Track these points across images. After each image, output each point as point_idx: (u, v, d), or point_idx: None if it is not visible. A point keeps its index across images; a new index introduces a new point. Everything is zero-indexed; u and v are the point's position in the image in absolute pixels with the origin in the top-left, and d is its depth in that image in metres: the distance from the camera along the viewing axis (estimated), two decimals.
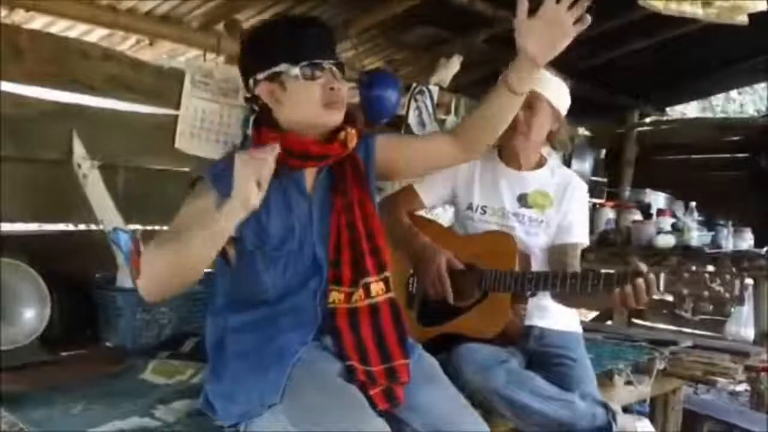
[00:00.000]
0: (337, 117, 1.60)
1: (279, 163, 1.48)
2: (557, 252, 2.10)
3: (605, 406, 1.90)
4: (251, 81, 1.61)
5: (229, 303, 1.66)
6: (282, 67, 1.56)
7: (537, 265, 2.07)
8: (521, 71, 1.64)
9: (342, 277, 1.62)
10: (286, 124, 1.60)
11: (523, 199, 2.13)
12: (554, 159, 2.26)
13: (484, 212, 2.14)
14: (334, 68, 1.60)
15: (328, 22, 1.64)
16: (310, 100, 1.56)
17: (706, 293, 1.66)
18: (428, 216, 2.51)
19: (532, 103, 2.05)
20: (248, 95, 1.64)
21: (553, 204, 2.12)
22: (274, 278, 1.60)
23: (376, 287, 1.63)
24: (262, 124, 1.62)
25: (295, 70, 1.55)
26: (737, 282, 1.64)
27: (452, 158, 1.83)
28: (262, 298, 1.61)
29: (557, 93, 2.11)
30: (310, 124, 1.60)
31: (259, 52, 1.60)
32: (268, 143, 1.51)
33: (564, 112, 2.15)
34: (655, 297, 1.75)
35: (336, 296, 1.61)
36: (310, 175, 1.66)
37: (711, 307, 1.66)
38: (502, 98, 1.69)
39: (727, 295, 1.64)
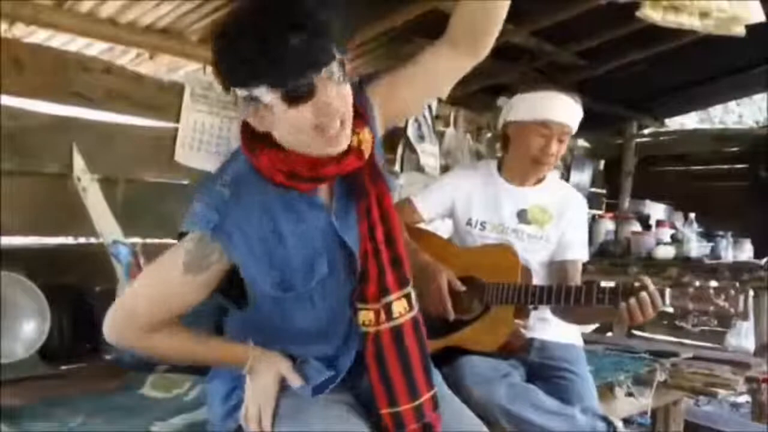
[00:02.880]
0: (334, 147, 1.24)
1: (283, 186, 1.29)
2: (557, 268, 2.10)
3: (606, 420, 1.89)
4: (231, 92, 1.27)
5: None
6: (261, 91, 1.20)
7: (537, 281, 2.06)
8: None
9: (366, 293, 1.37)
10: (283, 143, 1.28)
11: (522, 215, 2.12)
12: (554, 175, 2.26)
13: (484, 228, 2.14)
14: (333, 73, 1.20)
15: None
16: (303, 126, 1.21)
17: (711, 308, 1.65)
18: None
19: (563, 138, 2.07)
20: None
21: (553, 220, 2.11)
22: (309, 316, 1.38)
23: (398, 306, 1.39)
24: (256, 138, 1.29)
25: (278, 96, 1.19)
26: (741, 297, 1.64)
27: (457, 64, 1.50)
28: (299, 339, 1.41)
29: (577, 120, 2.10)
30: (306, 151, 1.26)
31: (231, 66, 1.23)
32: (272, 172, 1.28)
33: None
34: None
35: (366, 317, 1.37)
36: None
37: (715, 321, 1.66)
38: None
39: (732, 310, 1.64)
